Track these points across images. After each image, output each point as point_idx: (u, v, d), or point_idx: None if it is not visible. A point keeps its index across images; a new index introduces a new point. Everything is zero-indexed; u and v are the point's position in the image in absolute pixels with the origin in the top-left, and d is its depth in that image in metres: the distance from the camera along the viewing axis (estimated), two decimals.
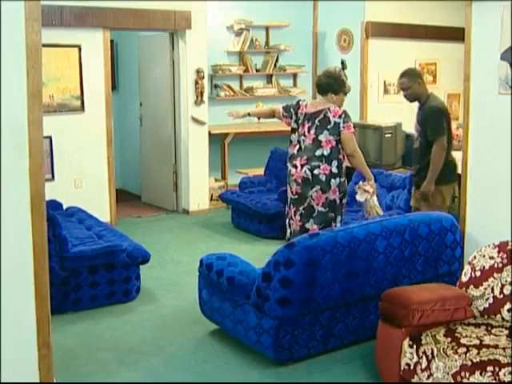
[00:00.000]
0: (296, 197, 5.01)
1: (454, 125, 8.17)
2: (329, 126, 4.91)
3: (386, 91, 8.36)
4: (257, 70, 8.72)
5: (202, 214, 7.81)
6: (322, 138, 4.91)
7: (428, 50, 8.61)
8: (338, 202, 5.00)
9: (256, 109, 5.47)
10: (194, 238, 6.91)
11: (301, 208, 4.99)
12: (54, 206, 5.88)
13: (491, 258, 3.71)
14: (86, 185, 7.13)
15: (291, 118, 5.10)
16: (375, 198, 5.03)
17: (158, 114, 8.13)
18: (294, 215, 5.04)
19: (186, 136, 7.82)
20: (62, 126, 6.82)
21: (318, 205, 4.95)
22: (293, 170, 5.01)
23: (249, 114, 5.63)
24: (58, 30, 6.67)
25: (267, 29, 8.72)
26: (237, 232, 7.13)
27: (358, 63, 8.21)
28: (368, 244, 3.95)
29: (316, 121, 4.93)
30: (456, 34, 6.60)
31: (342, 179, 4.99)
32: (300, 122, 5.03)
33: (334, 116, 4.92)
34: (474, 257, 3.80)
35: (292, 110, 5.11)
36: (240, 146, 8.47)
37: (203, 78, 7.77)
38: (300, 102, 5.15)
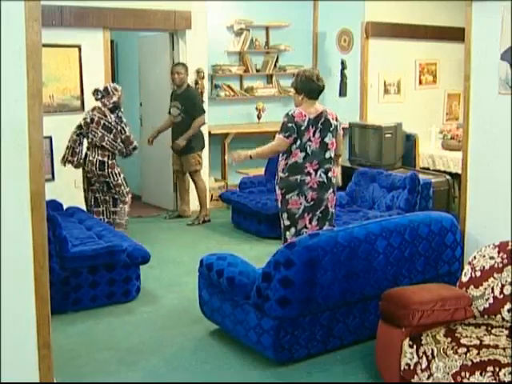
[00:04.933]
0: (312, 203, 4.94)
1: (453, 125, 8.25)
2: (331, 129, 4.96)
3: (386, 91, 8.34)
4: (257, 70, 8.71)
5: None
6: (327, 140, 4.95)
7: (428, 50, 8.61)
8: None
9: (257, 149, 5.03)
10: (194, 238, 6.91)
11: (318, 212, 4.98)
12: (54, 206, 5.88)
13: (491, 258, 3.71)
14: None
15: (294, 133, 4.85)
16: None
17: (158, 114, 8.12)
18: (310, 222, 4.97)
19: None
20: (62, 126, 6.81)
21: (331, 207, 5.06)
22: (307, 179, 4.89)
23: (250, 157, 5.02)
24: (58, 30, 6.68)
25: (267, 29, 8.72)
26: (237, 232, 7.13)
27: (358, 63, 8.20)
28: (368, 244, 3.95)
29: (319, 124, 4.92)
30: (456, 34, 6.61)
31: None
32: (304, 128, 4.84)
33: (333, 119, 4.99)
34: (474, 257, 3.79)
35: (292, 126, 4.83)
36: (240, 146, 8.41)
37: (203, 78, 7.78)
38: (291, 113, 4.87)
